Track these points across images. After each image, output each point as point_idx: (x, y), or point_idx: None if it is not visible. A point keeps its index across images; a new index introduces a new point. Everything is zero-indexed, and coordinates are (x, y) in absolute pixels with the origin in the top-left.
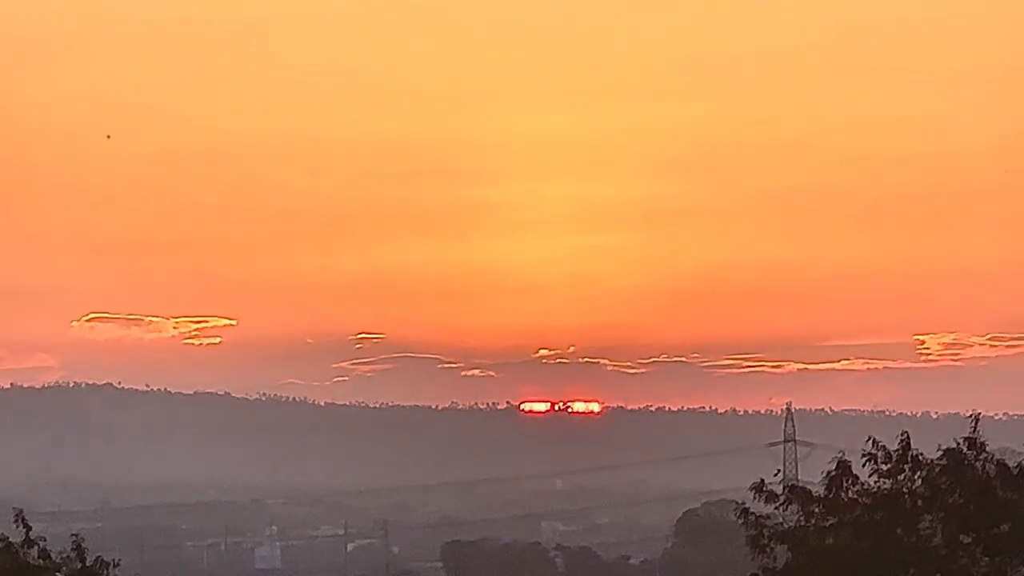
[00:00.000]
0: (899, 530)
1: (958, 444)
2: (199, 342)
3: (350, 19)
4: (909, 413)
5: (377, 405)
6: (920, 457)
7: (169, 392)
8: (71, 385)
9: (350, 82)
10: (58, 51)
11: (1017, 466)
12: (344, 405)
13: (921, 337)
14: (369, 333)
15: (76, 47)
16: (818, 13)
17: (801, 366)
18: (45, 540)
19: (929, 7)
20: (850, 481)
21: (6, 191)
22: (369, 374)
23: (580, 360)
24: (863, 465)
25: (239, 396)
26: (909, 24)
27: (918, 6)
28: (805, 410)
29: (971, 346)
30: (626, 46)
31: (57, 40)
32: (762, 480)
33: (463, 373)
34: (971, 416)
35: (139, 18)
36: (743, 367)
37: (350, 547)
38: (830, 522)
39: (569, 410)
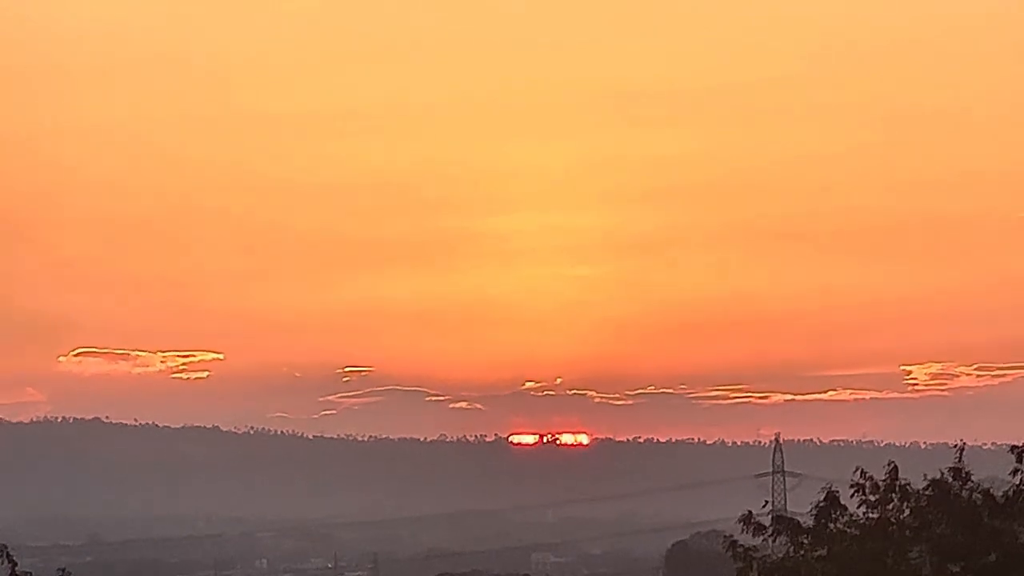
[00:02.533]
0: (888, 560)
1: (943, 474)
2: (187, 376)
3: (334, 54)
4: (897, 443)
5: (365, 438)
6: (908, 487)
7: (157, 426)
8: (59, 420)
9: (333, 114)
10: (45, 86)
11: (1004, 495)
12: (332, 438)
13: (908, 367)
14: (356, 366)
15: (64, 82)
16: (801, 45)
17: (789, 397)
18: (30, 574)
19: (907, 40)
20: (838, 512)
21: None
22: (357, 407)
23: (567, 392)
24: (851, 496)
25: (227, 430)
26: (889, 55)
27: (899, 39)
28: (793, 441)
29: (958, 376)
30: (612, 76)
31: (44, 75)
32: (750, 511)
33: (451, 405)
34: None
35: (125, 55)
36: (730, 398)
37: None
38: (819, 553)
39: (557, 442)
